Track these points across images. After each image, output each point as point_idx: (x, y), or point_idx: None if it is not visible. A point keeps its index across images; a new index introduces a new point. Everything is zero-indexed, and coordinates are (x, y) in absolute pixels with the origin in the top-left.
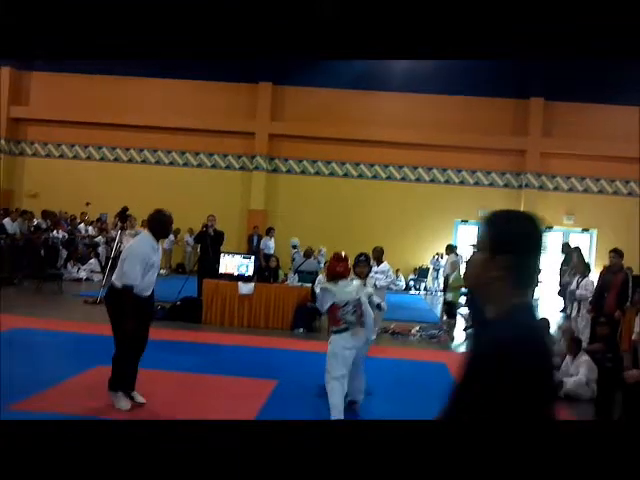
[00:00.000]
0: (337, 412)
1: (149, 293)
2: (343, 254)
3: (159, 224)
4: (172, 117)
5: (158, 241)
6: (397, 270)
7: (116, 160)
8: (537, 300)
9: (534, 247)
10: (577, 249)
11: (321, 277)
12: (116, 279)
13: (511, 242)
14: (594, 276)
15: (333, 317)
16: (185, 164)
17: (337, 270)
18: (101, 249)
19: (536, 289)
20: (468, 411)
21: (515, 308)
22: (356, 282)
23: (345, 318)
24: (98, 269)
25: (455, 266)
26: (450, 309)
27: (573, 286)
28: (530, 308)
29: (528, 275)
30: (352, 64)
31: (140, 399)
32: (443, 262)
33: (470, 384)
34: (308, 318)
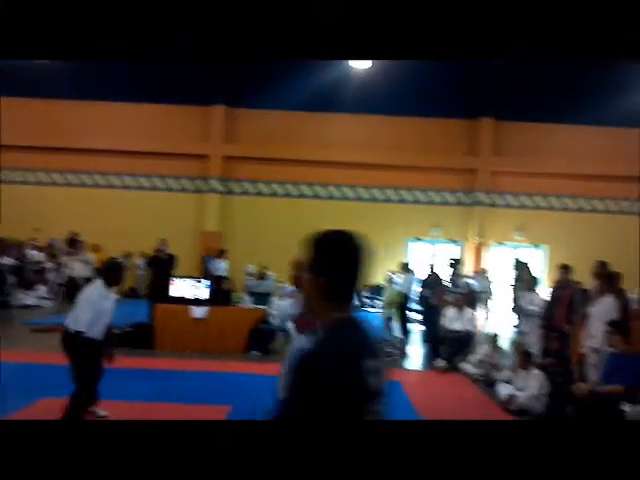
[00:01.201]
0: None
1: (101, 337)
2: None
3: (111, 273)
4: (124, 140)
5: (110, 288)
6: None
7: (67, 184)
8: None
9: (349, 265)
10: (525, 265)
11: (276, 299)
12: (69, 322)
13: (327, 261)
14: (545, 291)
15: (300, 323)
16: (138, 187)
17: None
18: (50, 275)
19: (355, 304)
20: (287, 413)
21: (335, 323)
22: None
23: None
24: (47, 296)
25: (388, 282)
26: (388, 324)
27: (523, 301)
28: (349, 323)
29: (346, 291)
30: (306, 86)
31: (101, 412)
32: (397, 279)
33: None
34: (263, 340)
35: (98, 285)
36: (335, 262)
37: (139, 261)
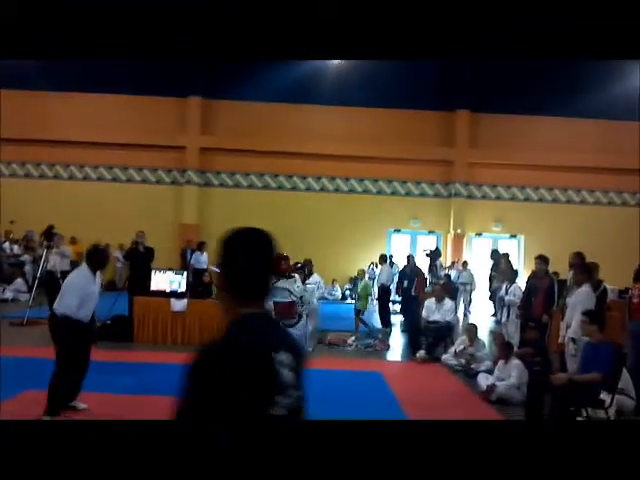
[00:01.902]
0: None
1: (88, 320)
2: (284, 253)
3: (95, 258)
4: (99, 132)
5: (95, 273)
6: (333, 280)
7: (42, 177)
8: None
9: (253, 261)
10: (505, 255)
11: None
12: (56, 306)
13: (232, 257)
14: (522, 281)
15: (289, 310)
16: (114, 179)
17: (282, 268)
18: (27, 268)
19: (267, 299)
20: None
21: (242, 317)
22: (298, 279)
23: (300, 312)
24: (24, 289)
25: (362, 274)
26: (356, 314)
27: (502, 292)
28: (257, 317)
29: (254, 287)
30: (283, 77)
31: (82, 406)
32: (378, 271)
33: None
34: None
35: (84, 269)
36: (239, 258)
37: (117, 253)
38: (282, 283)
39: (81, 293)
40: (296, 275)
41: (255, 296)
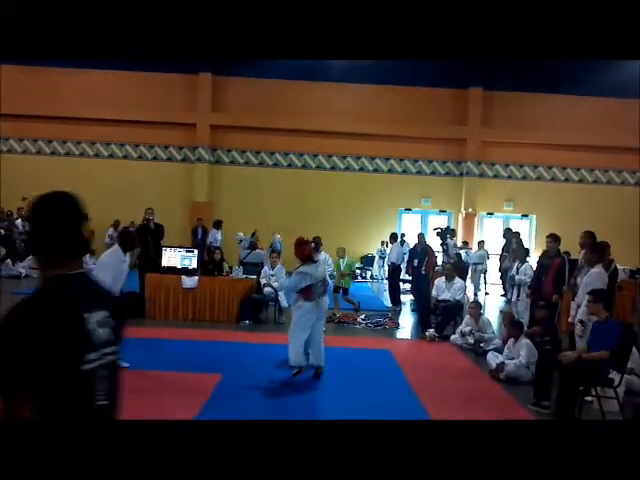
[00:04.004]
0: (294, 357)
1: (117, 293)
2: (304, 238)
3: (126, 240)
4: (110, 109)
5: (126, 253)
6: None
7: (53, 154)
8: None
9: (54, 224)
10: (517, 234)
11: (266, 268)
12: None
13: (34, 223)
14: (533, 261)
15: (307, 293)
16: (125, 156)
17: (305, 253)
18: None
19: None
20: None
21: (51, 279)
22: (322, 261)
23: (317, 292)
24: (37, 266)
25: (343, 253)
26: (344, 293)
27: (513, 271)
28: (66, 278)
29: (58, 249)
30: None
31: None
32: (388, 250)
33: None
34: (254, 310)
35: (116, 250)
36: (39, 222)
37: None
38: (304, 268)
39: (114, 271)
40: (320, 257)
41: (64, 257)
